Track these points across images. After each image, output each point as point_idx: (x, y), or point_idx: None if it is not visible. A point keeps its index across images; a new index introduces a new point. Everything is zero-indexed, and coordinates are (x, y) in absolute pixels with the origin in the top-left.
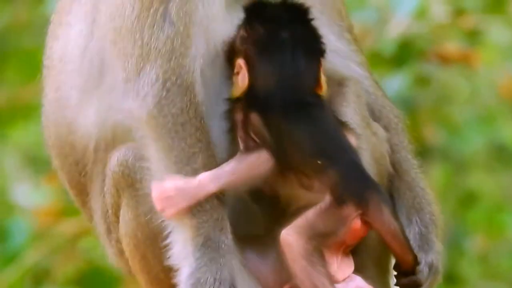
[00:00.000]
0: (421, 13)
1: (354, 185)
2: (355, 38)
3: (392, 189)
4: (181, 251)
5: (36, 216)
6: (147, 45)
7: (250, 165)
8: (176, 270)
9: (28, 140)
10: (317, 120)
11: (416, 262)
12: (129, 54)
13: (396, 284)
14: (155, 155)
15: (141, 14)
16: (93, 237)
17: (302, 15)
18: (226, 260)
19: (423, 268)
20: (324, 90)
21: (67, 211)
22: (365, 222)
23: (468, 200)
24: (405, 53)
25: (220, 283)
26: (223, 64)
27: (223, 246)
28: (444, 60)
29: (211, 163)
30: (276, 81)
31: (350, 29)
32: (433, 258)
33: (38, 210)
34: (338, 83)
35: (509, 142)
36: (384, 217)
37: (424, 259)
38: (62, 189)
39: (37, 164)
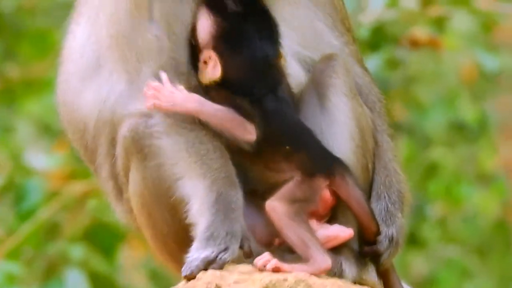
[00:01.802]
0: (393, 2)
1: (320, 161)
2: (348, 29)
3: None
4: (198, 209)
5: (48, 178)
6: (140, 47)
7: (235, 120)
8: (193, 225)
9: (40, 111)
10: (282, 113)
11: (378, 233)
12: (127, 58)
13: (359, 251)
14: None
15: (131, 21)
16: (99, 197)
17: (257, 4)
18: (237, 215)
19: (383, 240)
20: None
21: (76, 175)
22: (333, 192)
23: (430, 171)
24: (379, 38)
25: (231, 236)
26: None
27: (234, 200)
28: (414, 44)
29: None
30: (248, 68)
31: (343, 21)
32: (394, 231)
33: (49, 173)
34: (328, 57)
35: (468, 120)
36: (348, 187)
37: (385, 232)
38: (70, 154)
39: (48, 132)
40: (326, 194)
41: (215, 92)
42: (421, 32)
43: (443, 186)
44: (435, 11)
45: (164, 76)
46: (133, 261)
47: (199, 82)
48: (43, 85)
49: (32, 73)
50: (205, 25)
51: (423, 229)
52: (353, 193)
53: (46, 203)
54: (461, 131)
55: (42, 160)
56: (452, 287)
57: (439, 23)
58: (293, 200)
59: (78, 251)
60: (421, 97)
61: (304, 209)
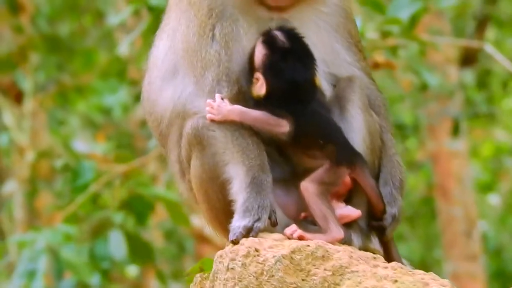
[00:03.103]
0: (361, 34)
1: (346, 154)
2: (360, 49)
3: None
4: (237, 188)
5: (96, 161)
6: (204, 58)
7: (270, 122)
8: (233, 201)
9: (86, 109)
10: (318, 113)
11: (384, 211)
12: (194, 65)
13: (368, 225)
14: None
15: (199, 39)
16: (135, 176)
17: (299, 39)
18: (267, 193)
19: (388, 217)
20: (318, 84)
21: (118, 159)
22: (352, 178)
23: None
24: None
25: (262, 209)
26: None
27: (265, 183)
28: (375, 66)
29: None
30: (288, 90)
31: (357, 43)
32: (395, 211)
33: (96, 157)
34: (349, 79)
35: (406, 121)
36: (365, 175)
37: (389, 211)
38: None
39: (92, 125)
40: (347, 179)
41: (260, 101)
42: (380, 56)
43: None
44: (391, 41)
45: (217, 96)
46: (152, 223)
47: (250, 92)
48: (88, 90)
49: (80, 81)
50: (259, 54)
51: None
52: (368, 180)
53: (95, 180)
54: (399, 130)
55: (86, 147)
56: None
57: (394, 50)
58: (321, 183)
59: (118, 217)
60: None
61: (329, 190)
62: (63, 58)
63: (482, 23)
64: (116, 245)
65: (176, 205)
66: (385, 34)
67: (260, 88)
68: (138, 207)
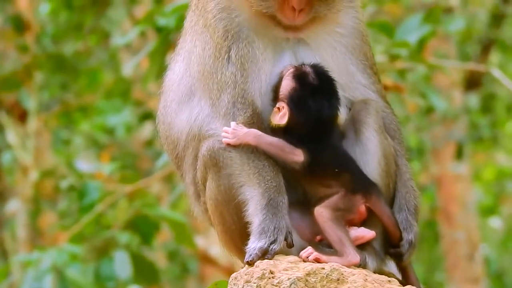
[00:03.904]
0: None
1: (361, 183)
2: (375, 72)
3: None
4: (253, 210)
5: (102, 181)
6: (220, 80)
7: (285, 149)
8: (250, 223)
9: (89, 129)
10: (332, 145)
11: (401, 238)
12: (210, 88)
13: (385, 253)
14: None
15: (214, 61)
16: (141, 197)
17: (327, 77)
18: (283, 215)
19: (405, 244)
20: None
21: (124, 179)
22: (367, 207)
23: None
24: None
25: (278, 230)
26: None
27: (281, 204)
28: (383, 89)
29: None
30: (311, 124)
31: (372, 66)
32: (412, 237)
33: (102, 176)
34: (364, 102)
35: (410, 144)
36: (381, 204)
37: (406, 237)
38: (113, 163)
39: (95, 145)
40: (362, 208)
41: (276, 130)
42: (388, 79)
43: None
44: (399, 64)
45: (232, 123)
46: (156, 243)
47: (269, 120)
48: (92, 110)
49: (84, 101)
50: (288, 86)
51: None
52: (384, 209)
53: (100, 200)
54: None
55: (90, 166)
56: None
57: (402, 73)
58: (336, 209)
59: (124, 237)
60: None
61: (344, 216)
62: (67, 78)
63: (486, 47)
64: (121, 265)
65: (181, 225)
66: (393, 57)
67: (281, 118)
68: (144, 227)
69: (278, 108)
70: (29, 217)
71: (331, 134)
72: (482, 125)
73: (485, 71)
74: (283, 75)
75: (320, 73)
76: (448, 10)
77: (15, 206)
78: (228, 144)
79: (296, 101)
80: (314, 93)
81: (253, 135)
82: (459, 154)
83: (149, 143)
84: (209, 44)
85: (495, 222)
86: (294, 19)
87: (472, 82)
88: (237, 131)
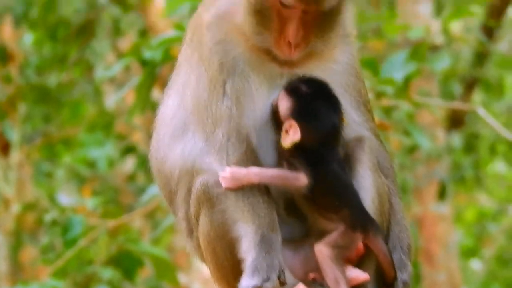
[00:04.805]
0: None
1: (360, 219)
2: (369, 109)
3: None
4: (247, 247)
5: (85, 215)
6: (215, 114)
7: (288, 177)
8: (243, 260)
9: (72, 162)
10: (337, 173)
11: (396, 277)
12: (205, 122)
13: None
14: None
15: (209, 94)
16: (124, 232)
17: (318, 82)
18: (276, 252)
19: (399, 283)
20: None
21: (105, 214)
22: (365, 244)
23: None
24: None
25: (271, 268)
26: (267, 121)
27: (274, 241)
28: None
29: (260, 189)
30: (320, 132)
31: (365, 103)
32: (406, 277)
33: (81, 210)
34: (358, 139)
35: None
36: (378, 242)
37: (400, 277)
38: (95, 198)
39: (77, 178)
40: (360, 245)
41: (286, 152)
42: (374, 117)
43: None
44: (385, 101)
45: (227, 168)
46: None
47: (281, 145)
48: (75, 142)
49: (67, 133)
50: (286, 104)
51: None
52: (381, 247)
53: (84, 235)
54: None
55: (71, 200)
56: None
57: (387, 111)
58: (336, 246)
59: (107, 273)
60: None
61: (342, 254)
62: (50, 109)
63: (469, 86)
64: None
65: (164, 261)
66: (379, 95)
67: (294, 134)
68: (126, 263)
69: (286, 129)
70: (10, 251)
71: (339, 144)
72: (465, 165)
73: (468, 110)
74: (275, 101)
75: (309, 80)
76: (433, 48)
77: None
78: (230, 187)
79: (302, 112)
80: (313, 98)
81: (254, 174)
82: (441, 194)
83: (131, 177)
84: (204, 77)
85: (476, 265)
86: (290, 54)
87: (455, 120)
88: (236, 173)
